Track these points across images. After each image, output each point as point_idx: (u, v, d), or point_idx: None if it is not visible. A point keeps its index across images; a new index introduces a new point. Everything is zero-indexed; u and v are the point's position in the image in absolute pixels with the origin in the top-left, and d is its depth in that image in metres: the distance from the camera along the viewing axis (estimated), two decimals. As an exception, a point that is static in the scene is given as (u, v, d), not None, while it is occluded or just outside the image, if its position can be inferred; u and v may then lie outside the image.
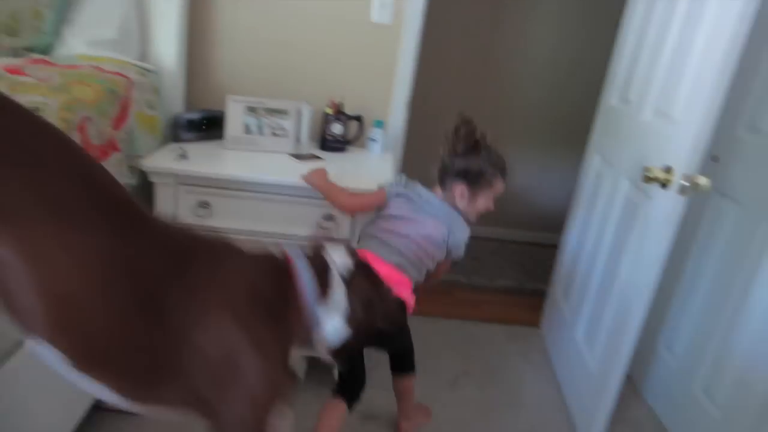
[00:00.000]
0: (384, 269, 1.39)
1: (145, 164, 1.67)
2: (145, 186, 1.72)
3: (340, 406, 1.46)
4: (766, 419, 1.55)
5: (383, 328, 1.08)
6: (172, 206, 1.72)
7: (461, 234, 1.59)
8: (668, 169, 1.50)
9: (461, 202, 1.59)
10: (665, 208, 1.51)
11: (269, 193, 1.72)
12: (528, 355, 2.35)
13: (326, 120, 1.99)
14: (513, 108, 3.34)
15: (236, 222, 1.75)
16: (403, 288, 1.46)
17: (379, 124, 2.04)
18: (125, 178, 1.60)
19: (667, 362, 2.03)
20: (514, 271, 3.19)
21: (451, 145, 1.54)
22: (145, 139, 1.72)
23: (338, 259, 1.05)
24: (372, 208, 1.62)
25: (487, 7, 3.15)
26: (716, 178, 1.84)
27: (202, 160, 1.77)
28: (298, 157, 1.90)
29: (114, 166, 1.51)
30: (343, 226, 1.74)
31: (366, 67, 2.10)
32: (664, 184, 1.50)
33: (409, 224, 1.53)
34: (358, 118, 2.04)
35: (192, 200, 1.73)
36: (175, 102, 1.96)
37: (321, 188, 1.64)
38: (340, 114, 1.99)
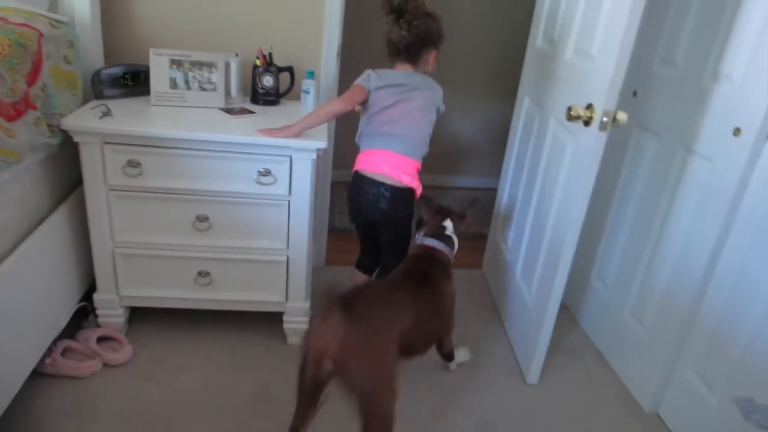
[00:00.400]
0: (396, 161, 1.71)
1: (66, 123, 1.60)
2: (70, 146, 1.65)
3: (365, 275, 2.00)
4: (687, 336, 1.69)
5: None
6: (100, 166, 1.66)
7: (439, 90, 1.79)
8: (589, 107, 1.56)
9: (432, 65, 1.79)
10: (588, 144, 1.58)
11: (201, 150, 1.68)
12: (472, 295, 2.45)
13: (256, 72, 1.95)
14: (449, 52, 3.35)
15: (169, 181, 1.71)
16: (412, 175, 1.75)
17: (311, 74, 2.00)
18: (44, 138, 1.53)
19: (600, 292, 2.16)
20: (457, 217, 3.27)
21: (408, 22, 1.67)
22: (64, 96, 1.64)
23: (448, 225, 1.76)
24: (361, 100, 1.73)
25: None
26: (636, 112, 1.93)
27: (128, 117, 1.71)
28: (228, 111, 1.86)
29: (31, 125, 1.43)
30: (282, 179, 1.73)
31: (294, 16, 2.05)
32: (586, 122, 1.56)
33: (401, 106, 1.71)
34: (289, 69, 2.00)
35: (120, 160, 1.67)
36: (93, 56, 1.86)
37: (303, 128, 1.68)
38: (270, 65, 1.95)
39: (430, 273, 1.59)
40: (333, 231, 2.92)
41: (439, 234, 1.72)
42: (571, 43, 1.81)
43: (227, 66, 1.91)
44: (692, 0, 1.70)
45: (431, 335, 1.66)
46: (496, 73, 3.42)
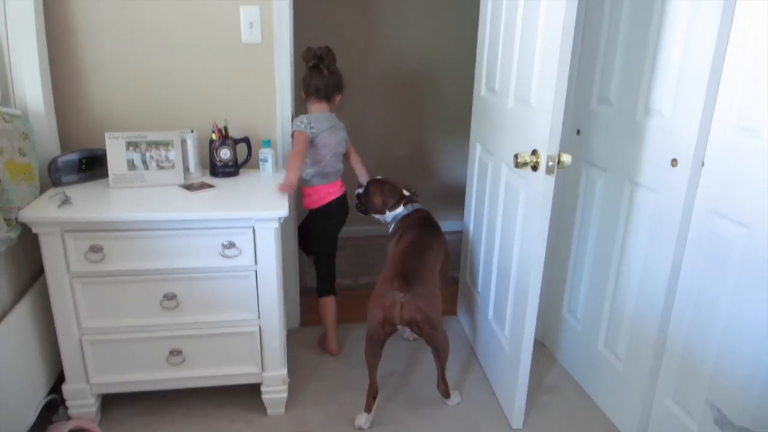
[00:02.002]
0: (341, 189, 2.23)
1: (24, 215, 1.60)
2: (30, 237, 1.65)
3: (331, 299, 2.33)
4: (659, 363, 1.72)
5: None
6: (61, 255, 1.65)
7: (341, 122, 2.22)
8: (534, 152, 1.63)
9: (338, 103, 2.18)
10: (538, 188, 1.64)
11: (163, 229, 1.69)
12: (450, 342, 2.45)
13: (213, 146, 1.98)
14: (434, 96, 3.45)
15: (133, 262, 1.71)
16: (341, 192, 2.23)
17: (267, 143, 2.05)
18: (2, 233, 1.52)
19: (573, 326, 2.19)
20: (428, 264, 3.29)
21: (324, 70, 2.05)
22: (21, 188, 1.64)
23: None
24: (306, 147, 2.01)
25: (357, 16, 3.24)
26: (582, 150, 2.02)
27: (87, 203, 1.72)
28: (188, 187, 1.88)
29: (-14, 224, 1.43)
30: (247, 250, 1.74)
31: (245, 87, 2.11)
32: (534, 167, 1.63)
33: (337, 145, 2.14)
34: (245, 140, 2.04)
35: (82, 246, 1.67)
36: (49, 145, 1.88)
37: (296, 175, 1.90)
38: (226, 138, 1.99)
39: (434, 224, 2.17)
40: (307, 292, 2.91)
41: (413, 199, 2.24)
42: (512, 92, 1.90)
43: (183, 143, 1.94)
44: (618, 40, 1.82)
45: (447, 264, 2.15)
46: (448, 121, 3.53)
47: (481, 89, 2.27)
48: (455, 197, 3.74)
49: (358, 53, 3.30)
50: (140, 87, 2.05)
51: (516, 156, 1.64)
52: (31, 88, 1.83)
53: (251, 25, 2.04)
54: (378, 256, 3.34)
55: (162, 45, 2.02)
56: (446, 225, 3.78)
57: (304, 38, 3.05)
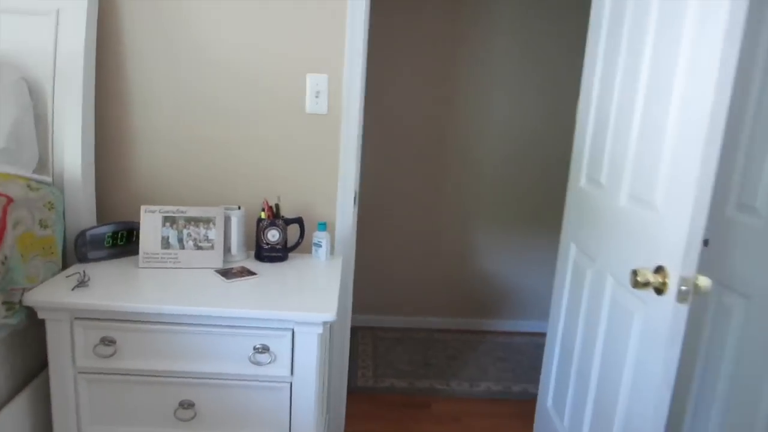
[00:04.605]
0: None
1: (29, 298, 1.36)
2: (38, 321, 1.41)
3: None
4: None
5: None
6: (67, 345, 1.40)
7: None
8: (660, 270, 1.24)
9: None
10: (665, 319, 1.24)
11: (186, 324, 1.41)
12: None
13: (260, 226, 1.72)
14: (479, 188, 3.14)
15: (148, 361, 1.43)
16: None
17: (323, 226, 1.77)
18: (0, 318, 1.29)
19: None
20: (497, 369, 2.85)
21: None
22: (34, 265, 1.42)
23: None
24: None
25: (437, 81, 3.01)
26: (712, 266, 1.59)
27: (106, 286, 1.47)
28: (225, 273, 1.61)
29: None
30: (283, 357, 1.43)
31: (304, 162, 1.87)
32: (659, 290, 1.24)
33: None
34: (298, 221, 1.78)
35: (92, 337, 1.41)
36: (83, 216, 1.68)
37: None
38: (276, 218, 1.73)
39: None
40: (355, 391, 2.54)
41: None
42: (625, 187, 1.53)
43: (227, 220, 1.69)
44: None
45: None
46: (527, 210, 3.17)
47: (579, 179, 1.91)
48: (526, 292, 3.32)
49: (433, 127, 3.05)
50: (189, 157, 1.85)
51: (635, 273, 1.25)
52: (70, 152, 1.65)
53: (317, 94, 1.82)
54: (441, 355, 2.94)
55: (217, 113, 1.83)
56: (516, 323, 3.36)
57: (375, 109, 2.83)
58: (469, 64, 2.98)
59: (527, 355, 3.02)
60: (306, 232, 1.82)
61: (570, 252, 1.96)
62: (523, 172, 3.12)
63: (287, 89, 1.82)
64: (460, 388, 2.63)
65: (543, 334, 3.25)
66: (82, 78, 1.65)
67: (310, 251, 1.84)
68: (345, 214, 1.92)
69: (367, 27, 1.84)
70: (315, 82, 1.81)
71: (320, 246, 1.78)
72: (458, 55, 2.97)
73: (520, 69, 3.00)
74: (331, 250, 1.87)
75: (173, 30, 1.77)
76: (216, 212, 1.66)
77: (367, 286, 3.22)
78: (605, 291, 1.61)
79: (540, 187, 3.14)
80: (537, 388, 2.29)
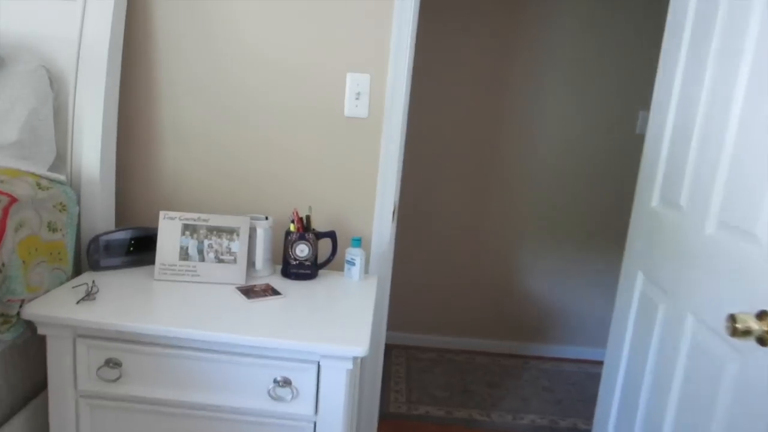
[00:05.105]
0: None
1: (27, 311, 1.23)
2: (40, 338, 1.28)
3: None
4: None
5: None
6: (69, 366, 1.26)
7: None
8: (763, 316, 1.01)
9: None
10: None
11: (201, 350, 1.25)
12: None
13: (289, 240, 1.56)
14: (526, 204, 2.91)
15: (155, 389, 1.27)
16: None
17: (357, 242, 1.59)
18: (-5, 334, 1.15)
19: None
20: (543, 400, 2.61)
21: None
22: (38, 273, 1.29)
23: None
24: None
25: (483, 91, 2.80)
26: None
27: (116, 300, 1.33)
28: (247, 292, 1.45)
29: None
30: (306, 393, 1.25)
31: (340, 170, 1.70)
32: (762, 340, 1.01)
33: None
34: (330, 235, 1.60)
35: (97, 358, 1.27)
36: (100, 219, 1.55)
37: None
38: (306, 232, 1.56)
39: None
40: (386, 417, 2.35)
41: None
42: (713, 212, 1.30)
43: (253, 231, 1.53)
44: None
45: None
46: (577, 231, 2.92)
47: (650, 199, 1.68)
48: (575, 315, 3.06)
49: (478, 139, 2.84)
50: (217, 160, 1.70)
51: (733, 319, 1.02)
52: (89, 149, 1.53)
53: (358, 96, 1.65)
54: (481, 381, 2.71)
55: (248, 114, 1.67)
56: (562, 349, 3.09)
57: (417, 116, 2.67)
58: (519, 76, 2.77)
59: (576, 385, 2.77)
60: (339, 248, 1.64)
61: (636, 281, 1.72)
62: (574, 190, 2.88)
63: (325, 89, 1.66)
64: (501, 420, 2.41)
65: (593, 362, 3.00)
66: (106, 68, 1.51)
67: (342, 268, 1.66)
68: (382, 230, 1.74)
69: (415, 25, 1.66)
70: (356, 83, 1.64)
71: (353, 264, 1.60)
72: (507, 67, 2.76)
73: (573, 83, 2.77)
74: (366, 268, 1.69)
75: (206, 23, 1.63)
76: (241, 222, 1.50)
77: (402, 301, 3.03)
78: (684, 332, 1.37)
79: (592, 206, 2.89)
80: (588, 424, 2.05)
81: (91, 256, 1.47)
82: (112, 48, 1.53)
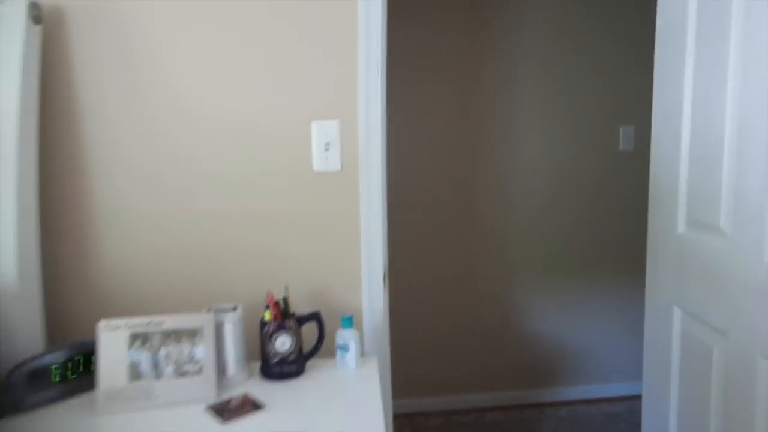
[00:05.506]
0: None
1: None
2: None
3: None
4: None
5: None
6: None
7: None
8: None
9: None
10: None
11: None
12: None
13: (265, 331, 1.26)
14: (518, 238, 2.69)
15: None
16: None
17: (348, 322, 1.31)
18: None
19: None
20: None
21: None
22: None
23: None
24: None
25: (458, 126, 2.60)
26: None
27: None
28: (221, 411, 1.14)
29: None
30: None
31: (316, 236, 1.43)
32: None
33: None
34: (314, 318, 1.32)
35: None
36: (23, 341, 1.22)
37: None
38: (285, 318, 1.27)
39: None
40: None
41: None
42: (772, 235, 1.09)
43: (219, 329, 1.24)
44: None
45: None
46: (578, 257, 2.71)
47: (674, 224, 1.47)
48: (582, 351, 2.82)
49: (460, 173, 2.63)
50: (166, 241, 1.41)
51: None
52: (5, 250, 1.21)
53: (327, 146, 1.39)
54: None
55: (197, 179, 1.40)
56: (576, 390, 2.72)
57: (398, 159, 2.46)
58: (495, 96, 2.58)
59: (597, 428, 2.51)
60: (327, 330, 1.36)
61: (673, 318, 1.49)
62: (562, 217, 2.68)
63: (288, 143, 1.40)
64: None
65: (609, 400, 2.76)
66: (17, 146, 1.21)
67: (332, 354, 1.37)
68: (374, 298, 1.47)
69: (384, 57, 1.43)
70: (323, 132, 1.39)
71: (347, 350, 1.31)
72: (481, 98, 2.58)
73: (550, 103, 2.61)
74: (361, 350, 1.41)
75: (136, 80, 1.36)
76: (204, 320, 1.20)
77: (400, 365, 2.72)
78: (757, 377, 1.14)
79: (584, 232, 2.69)
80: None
81: (10, 396, 1.14)
82: (24, 121, 1.24)
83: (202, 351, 1.19)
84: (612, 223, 2.69)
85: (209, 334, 1.20)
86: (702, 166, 1.34)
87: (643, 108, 2.58)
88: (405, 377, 2.71)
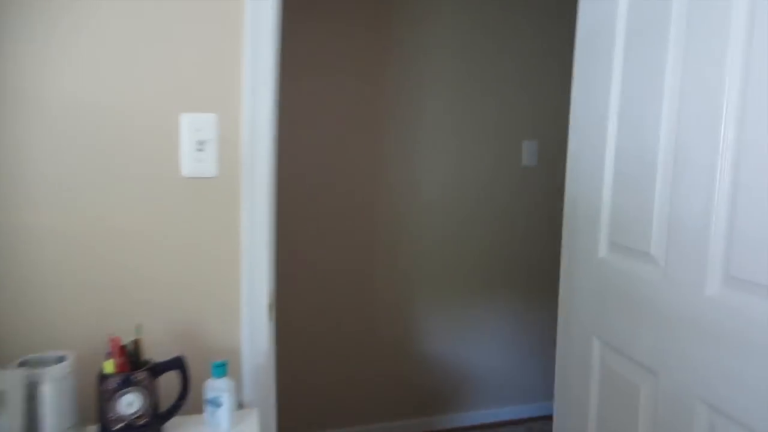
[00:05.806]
0: None
1: None
2: None
3: None
4: None
5: None
6: None
7: None
8: None
9: None
10: None
11: None
12: None
13: (105, 388, 0.95)
14: (416, 258, 2.52)
15: None
16: None
17: (221, 369, 1.03)
18: None
19: None
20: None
21: None
22: None
23: None
24: None
25: (354, 130, 2.39)
26: None
27: None
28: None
29: None
30: None
31: (181, 257, 1.13)
32: None
33: None
34: (176, 365, 1.02)
35: None
36: None
37: None
38: (135, 370, 0.96)
39: None
40: None
41: None
42: (715, 266, 0.97)
43: (31, 390, 0.90)
44: None
45: None
46: (475, 277, 2.60)
47: (595, 248, 1.34)
48: (484, 373, 2.71)
49: (363, 181, 2.41)
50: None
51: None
52: None
53: (200, 145, 1.10)
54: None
55: (24, 184, 1.05)
56: (480, 414, 2.62)
57: (289, 164, 2.20)
58: (399, 103, 2.40)
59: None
60: (194, 378, 1.06)
61: (592, 350, 1.36)
62: (463, 232, 2.55)
63: (147, 140, 1.09)
64: None
65: (514, 422, 2.65)
66: None
67: (199, 410, 1.07)
68: (256, 334, 1.19)
69: (278, 42, 1.17)
70: (195, 127, 1.10)
71: (219, 405, 1.02)
72: (381, 105, 2.38)
73: (452, 113, 2.47)
74: (239, 401, 1.13)
75: None
76: (9, 380, 0.86)
77: (286, 401, 2.43)
78: (693, 423, 1.02)
79: (486, 248, 2.58)
80: None
81: None
82: None
83: (6, 421, 0.85)
84: (512, 239, 2.60)
85: (16, 396, 0.86)
86: (629, 186, 1.22)
87: (546, 122, 2.56)
88: (292, 416, 2.42)
